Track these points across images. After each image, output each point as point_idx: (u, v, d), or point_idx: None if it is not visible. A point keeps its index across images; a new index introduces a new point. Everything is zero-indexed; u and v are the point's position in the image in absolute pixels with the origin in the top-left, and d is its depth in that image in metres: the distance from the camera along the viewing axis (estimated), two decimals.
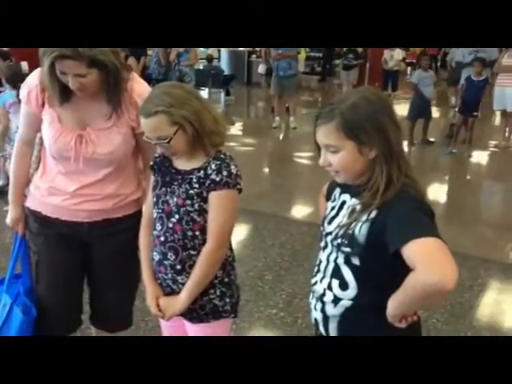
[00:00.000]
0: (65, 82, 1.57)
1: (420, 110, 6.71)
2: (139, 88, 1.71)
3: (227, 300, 1.61)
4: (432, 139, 6.99)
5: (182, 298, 1.54)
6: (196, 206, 1.51)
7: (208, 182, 1.49)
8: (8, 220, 1.86)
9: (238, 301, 1.68)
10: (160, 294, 1.61)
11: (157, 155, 1.63)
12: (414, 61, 15.11)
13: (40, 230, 1.80)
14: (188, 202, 1.51)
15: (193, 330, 1.64)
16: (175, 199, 1.53)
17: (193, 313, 1.59)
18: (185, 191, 1.51)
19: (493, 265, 3.49)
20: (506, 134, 6.93)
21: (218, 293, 1.59)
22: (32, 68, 1.74)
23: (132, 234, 1.73)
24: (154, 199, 1.59)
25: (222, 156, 1.53)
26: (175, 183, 1.54)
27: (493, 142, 7.07)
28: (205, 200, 1.50)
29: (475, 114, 6.32)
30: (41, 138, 1.77)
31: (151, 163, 1.64)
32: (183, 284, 1.55)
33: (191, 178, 1.51)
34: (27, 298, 1.81)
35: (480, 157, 6.72)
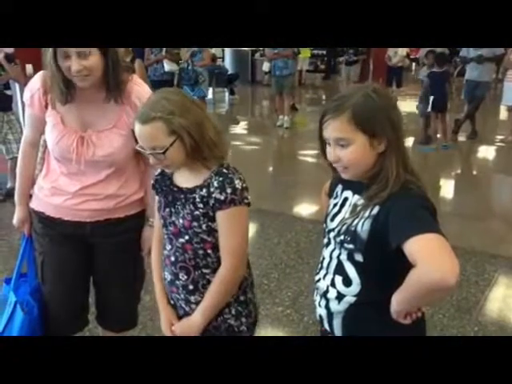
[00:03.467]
0: (67, 75, 1.58)
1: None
2: (139, 90, 1.71)
3: (243, 320, 1.50)
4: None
5: (198, 322, 1.45)
6: (204, 226, 1.41)
7: (212, 201, 1.38)
8: (14, 221, 1.89)
9: (256, 320, 1.57)
10: (174, 319, 1.53)
11: (157, 173, 1.56)
12: (418, 56, 15.03)
13: (44, 231, 1.82)
14: (195, 223, 1.41)
15: None
16: (181, 221, 1.43)
17: (207, 334, 1.48)
18: (190, 212, 1.42)
19: (499, 259, 3.48)
20: None
21: (233, 312, 1.48)
22: (37, 71, 1.76)
23: (135, 234, 1.73)
24: (162, 221, 1.51)
25: (224, 171, 1.41)
26: (178, 203, 1.45)
27: (499, 137, 7.03)
28: (212, 219, 1.40)
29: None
30: (45, 140, 1.78)
31: (152, 182, 1.57)
32: (196, 304, 1.46)
33: (194, 198, 1.41)
34: (31, 297, 1.83)
35: (486, 151, 6.70)
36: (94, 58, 1.57)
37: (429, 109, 6.38)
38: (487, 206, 4.77)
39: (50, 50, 1.55)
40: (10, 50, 4.49)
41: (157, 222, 1.59)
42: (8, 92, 4.57)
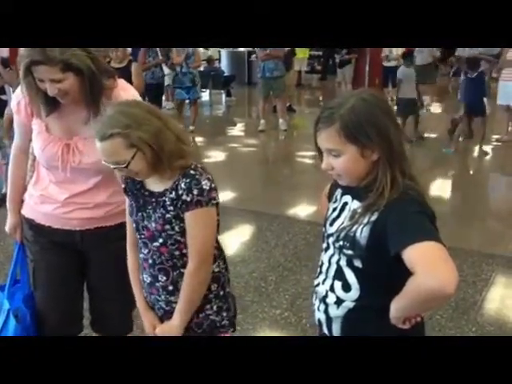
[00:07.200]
0: (44, 90, 1.56)
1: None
2: (125, 96, 1.68)
3: (224, 314, 1.55)
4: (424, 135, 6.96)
5: (177, 324, 1.50)
6: (177, 228, 1.45)
7: (180, 203, 1.42)
8: (6, 227, 1.88)
9: (236, 314, 1.62)
10: (157, 321, 1.57)
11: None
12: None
13: (35, 238, 1.81)
14: (167, 226, 1.44)
15: None
16: (153, 224, 1.46)
17: (190, 332, 1.52)
18: (161, 216, 1.44)
19: (496, 259, 3.47)
20: (510, 129, 6.90)
21: (214, 308, 1.53)
22: None
23: (126, 242, 1.71)
24: (134, 225, 1.54)
25: (191, 172, 1.43)
26: (149, 207, 1.47)
27: (495, 136, 7.03)
28: (183, 220, 1.44)
29: None
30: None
31: (123, 186, 1.57)
32: (177, 303, 1.50)
33: (164, 201, 1.44)
34: (24, 304, 1.82)
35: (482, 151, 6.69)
36: (68, 81, 1.54)
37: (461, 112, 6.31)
38: (484, 206, 4.77)
39: (22, 73, 1.53)
40: (6, 55, 4.48)
41: (129, 227, 1.61)
42: (3, 97, 4.56)
